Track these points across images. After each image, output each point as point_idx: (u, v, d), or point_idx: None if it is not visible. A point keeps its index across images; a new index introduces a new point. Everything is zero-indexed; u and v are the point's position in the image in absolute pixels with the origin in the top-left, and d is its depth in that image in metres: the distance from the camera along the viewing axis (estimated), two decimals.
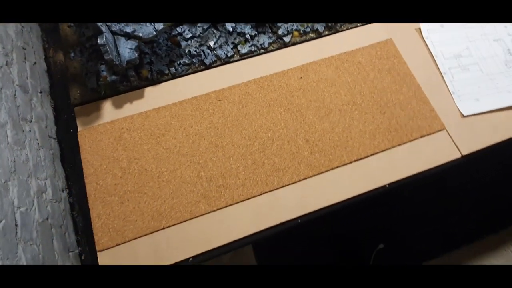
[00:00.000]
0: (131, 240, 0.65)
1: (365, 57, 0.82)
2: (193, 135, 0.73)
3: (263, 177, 0.70)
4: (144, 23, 0.72)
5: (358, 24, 0.86)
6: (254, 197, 0.68)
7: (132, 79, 0.77)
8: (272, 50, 0.83)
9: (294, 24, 0.84)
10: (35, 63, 0.77)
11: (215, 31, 0.82)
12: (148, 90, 0.78)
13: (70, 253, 0.67)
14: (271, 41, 0.83)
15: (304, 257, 1.26)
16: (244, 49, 0.81)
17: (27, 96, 0.69)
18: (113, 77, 0.74)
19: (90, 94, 0.76)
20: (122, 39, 0.72)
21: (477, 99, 0.77)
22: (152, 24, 0.72)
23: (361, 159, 0.72)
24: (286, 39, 0.83)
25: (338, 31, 0.85)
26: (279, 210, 0.67)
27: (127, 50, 0.71)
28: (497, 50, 0.82)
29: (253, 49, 0.82)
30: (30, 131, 0.66)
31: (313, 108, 0.76)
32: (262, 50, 0.83)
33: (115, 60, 0.69)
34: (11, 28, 0.71)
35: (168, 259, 0.64)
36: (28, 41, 0.77)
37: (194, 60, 0.80)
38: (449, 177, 1.39)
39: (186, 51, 0.80)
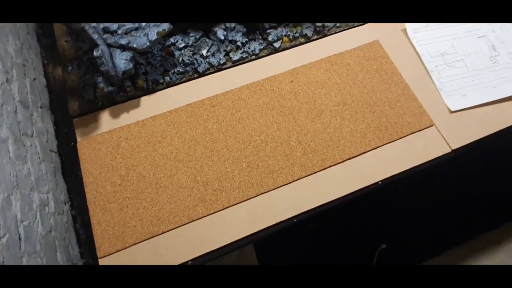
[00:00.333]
0: (131, 245, 0.66)
1: (353, 58, 0.84)
2: (189, 141, 0.75)
3: (258, 179, 0.72)
4: (138, 35, 0.75)
5: (346, 28, 0.88)
6: (249, 199, 0.70)
7: (128, 89, 0.80)
8: (263, 56, 0.85)
9: (284, 30, 0.86)
10: (34, 79, 0.79)
11: (207, 39, 0.85)
12: (144, 99, 0.80)
13: None
14: (261, 47, 0.85)
15: (304, 257, 1.27)
16: (236, 56, 0.84)
17: (28, 112, 0.71)
18: (110, 88, 0.76)
19: (88, 106, 0.79)
20: (117, 51, 0.75)
21: (464, 95, 0.78)
22: (146, 35, 0.75)
23: (353, 157, 0.73)
24: (276, 44, 0.86)
25: (326, 35, 0.88)
26: (275, 210, 0.69)
27: (122, 61, 0.74)
28: (481, 46, 0.85)
29: (244, 56, 0.84)
30: (31, 145, 0.67)
31: (304, 110, 0.78)
32: (253, 57, 0.85)
33: (111, 71, 0.72)
34: (11, 45, 0.73)
35: (167, 263, 0.65)
36: (27, 58, 0.79)
37: (187, 68, 0.83)
38: (436, 173, 1.41)
39: (180, 60, 0.83)
